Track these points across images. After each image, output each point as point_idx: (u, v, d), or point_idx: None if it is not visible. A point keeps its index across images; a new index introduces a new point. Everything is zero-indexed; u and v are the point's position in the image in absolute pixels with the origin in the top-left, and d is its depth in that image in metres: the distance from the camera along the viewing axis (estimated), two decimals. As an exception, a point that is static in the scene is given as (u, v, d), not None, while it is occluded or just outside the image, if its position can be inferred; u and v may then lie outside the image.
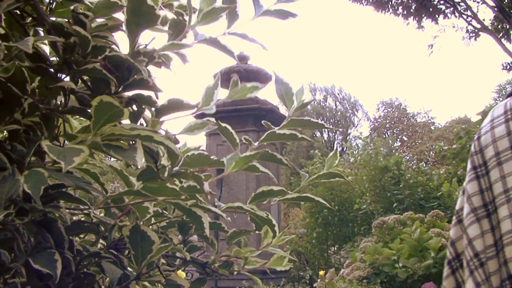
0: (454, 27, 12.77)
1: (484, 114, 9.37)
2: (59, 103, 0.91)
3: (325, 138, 34.97)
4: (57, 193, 0.84)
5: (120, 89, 0.81)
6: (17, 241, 0.79)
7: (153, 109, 0.85)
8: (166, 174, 0.80)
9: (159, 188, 0.80)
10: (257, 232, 1.17)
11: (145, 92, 0.82)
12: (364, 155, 10.21)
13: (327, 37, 60.35)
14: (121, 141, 0.74)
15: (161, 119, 0.83)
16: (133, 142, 0.89)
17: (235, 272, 1.26)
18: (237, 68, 8.76)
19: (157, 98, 0.84)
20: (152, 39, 0.85)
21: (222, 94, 0.90)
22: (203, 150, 1.02)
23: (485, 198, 1.07)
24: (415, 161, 23.27)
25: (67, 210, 1.01)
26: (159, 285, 1.13)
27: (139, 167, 0.73)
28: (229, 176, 9.16)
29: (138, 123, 0.84)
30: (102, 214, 1.08)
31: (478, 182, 1.08)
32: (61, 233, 0.84)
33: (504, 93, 30.82)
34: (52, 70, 0.85)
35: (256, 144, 1.08)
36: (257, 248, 1.20)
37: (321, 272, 7.41)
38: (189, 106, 0.83)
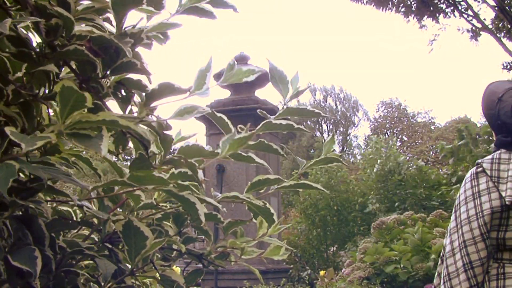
0: (459, 30, 12.72)
1: None
2: (47, 91, 0.86)
3: (325, 138, 34.96)
4: (38, 186, 0.79)
5: (108, 72, 0.77)
6: (-4, 236, 0.75)
7: (143, 94, 0.80)
8: (158, 162, 0.76)
9: (146, 177, 0.75)
10: (254, 222, 1.14)
11: (136, 76, 0.78)
12: (372, 153, 10.16)
13: (327, 36, 60.40)
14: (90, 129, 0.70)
15: (152, 104, 0.79)
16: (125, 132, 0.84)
17: (232, 263, 1.23)
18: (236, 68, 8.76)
19: (150, 82, 0.79)
20: (140, 19, 0.80)
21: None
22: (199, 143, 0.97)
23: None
24: (421, 161, 23.22)
25: (55, 202, 0.97)
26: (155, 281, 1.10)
27: (103, 155, 0.69)
28: (229, 177, 9.15)
29: (128, 109, 0.80)
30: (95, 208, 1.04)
31: (455, 214, 2.00)
32: (41, 230, 0.79)
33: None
34: (35, 55, 0.80)
35: (252, 133, 1.04)
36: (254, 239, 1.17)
37: (322, 272, 7.39)
38: (181, 90, 0.78)
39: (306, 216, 11.15)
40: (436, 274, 2.08)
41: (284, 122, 0.95)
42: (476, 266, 1.84)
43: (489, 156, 1.95)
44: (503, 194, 1.85)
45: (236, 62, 0.88)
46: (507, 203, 1.84)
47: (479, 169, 1.93)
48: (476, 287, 1.84)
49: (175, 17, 0.86)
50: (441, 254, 2.04)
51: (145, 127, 0.72)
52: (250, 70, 0.86)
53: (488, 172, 1.89)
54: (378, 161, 10.06)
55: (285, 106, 0.97)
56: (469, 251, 1.85)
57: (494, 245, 1.90)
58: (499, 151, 1.95)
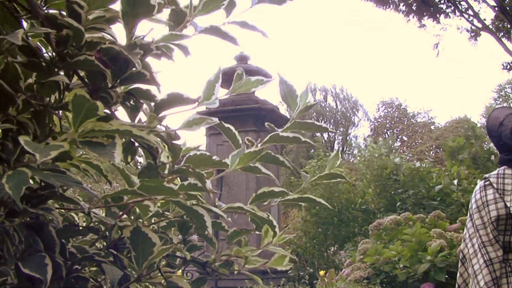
0: (459, 29, 12.72)
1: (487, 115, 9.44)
2: (55, 100, 0.87)
3: (325, 138, 34.96)
4: (49, 193, 0.80)
5: (117, 83, 0.77)
6: (7, 244, 0.75)
7: (152, 103, 0.81)
8: (166, 171, 0.77)
9: (156, 187, 0.76)
10: (257, 232, 1.15)
11: (145, 87, 0.79)
12: (367, 155, 10.16)
13: (327, 36, 60.38)
14: (103, 137, 0.70)
15: (161, 114, 0.80)
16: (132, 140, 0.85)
17: (236, 272, 1.24)
18: (237, 68, 8.72)
19: (159, 92, 0.80)
20: (150, 30, 0.81)
21: (221, 94, 0.87)
22: (203, 150, 0.98)
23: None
24: (415, 161, 23.23)
25: (64, 209, 0.98)
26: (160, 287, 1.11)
27: (116, 163, 0.70)
28: (229, 177, 9.14)
29: (137, 119, 0.81)
30: (103, 214, 1.05)
31: (471, 221, 2.39)
32: (52, 237, 0.80)
33: (504, 93, 30.88)
34: (45, 64, 0.81)
35: (259, 145, 1.05)
36: (257, 247, 1.18)
37: (321, 272, 7.39)
38: (190, 101, 0.79)
39: (312, 214, 11.12)
40: (458, 275, 2.50)
41: (291, 135, 0.97)
42: (495, 263, 2.28)
43: (495, 172, 2.37)
44: (508, 204, 2.25)
45: (244, 72, 0.89)
46: (511, 212, 2.25)
47: (486, 183, 2.36)
48: (496, 280, 2.27)
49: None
50: (461, 257, 2.50)
51: (157, 138, 0.72)
52: (259, 81, 0.87)
53: (495, 185, 2.31)
54: (369, 156, 10.06)
55: (292, 120, 0.99)
56: (488, 251, 2.28)
57: (501, 247, 2.31)
58: (503, 167, 2.33)
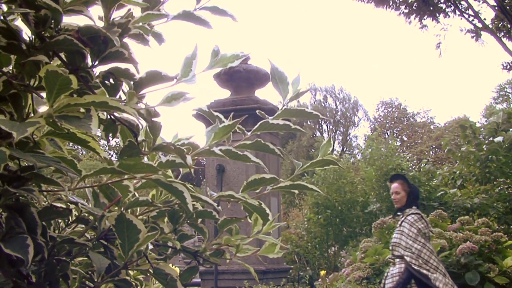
0: (461, 30, 12.69)
1: (488, 115, 9.46)
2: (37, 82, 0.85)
3: (325, 138, 34.97)
4: (30, 175, 0.78)
5: (97, 62, 0.76)
6: (-12, 224, 0.74)
7: (131, 82, 0.80)
8: (147, 148, 0.75)
9: (135, 165, 0.75)
10: (250, 221, 1.14)
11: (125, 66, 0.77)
12: (372, 153, 10.12)
13: (327, 36, 60.49)
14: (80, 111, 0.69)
15: (141, 92, 0.79)
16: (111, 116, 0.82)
17: (228, 261, 1.22)
18: (237, 68, 8.69)
19: (138, 71, 0.79)
20: (128, 10, 0.80)
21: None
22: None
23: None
24: (415, 161, 23.25)
25: (45, 191, 0.96)
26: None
27: (94, 134, 0.69)
28: (229, 177, 9.11)
29: (117, 97, 0.79)
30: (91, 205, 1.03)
31: (414, 232, 4.82)
32: (33, 218, 0.80)
33: (504, 93, 30.88)
34: (25, 47, 0.79)
35: (249, 134, 1.03)
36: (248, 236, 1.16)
37: (322, 272, 7.36)
38: (168, 78, 0.79)
39: (315, 213, 11.07)
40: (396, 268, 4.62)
41: (281, 122, 0.96)
42: (435, 257, 4.46)
43: (418, 211, 4.65)
44: (431, 229, 4.60)
45: (219, 49, 0.88)
46: (432, 234, 4.60)
47: (420, 215, 4.57)
48: (436, 267, 4.41)
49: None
50: (399, 253, 4.59)
51: (134, 110, 0.72)
52: (234, 56, 0.87)
53: (424, 218, 4.58)
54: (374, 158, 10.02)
55: (284, 107, 0.98)
56: (427, 251, 4.39)
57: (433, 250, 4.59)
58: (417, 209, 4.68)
